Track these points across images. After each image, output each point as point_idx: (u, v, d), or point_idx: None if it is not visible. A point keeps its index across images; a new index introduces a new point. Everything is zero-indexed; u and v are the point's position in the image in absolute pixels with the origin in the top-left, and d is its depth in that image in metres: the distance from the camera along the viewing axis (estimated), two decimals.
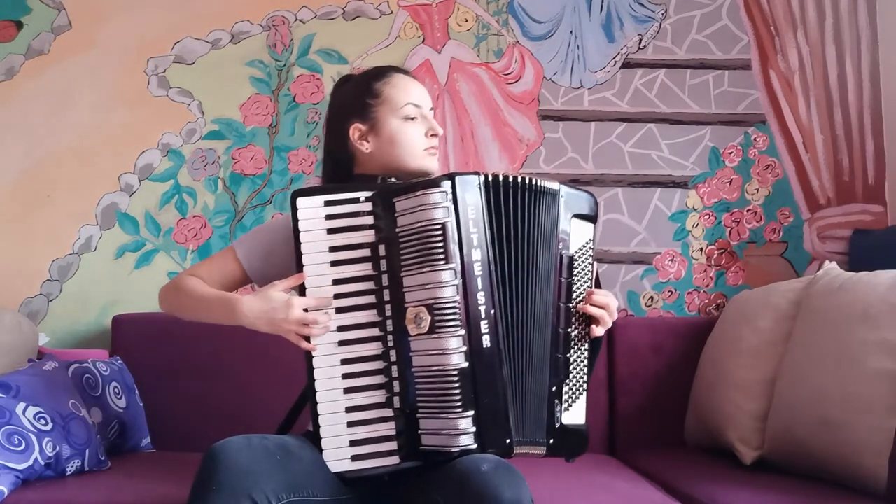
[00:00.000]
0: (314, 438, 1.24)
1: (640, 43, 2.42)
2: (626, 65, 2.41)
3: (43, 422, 1.62)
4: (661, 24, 2.42)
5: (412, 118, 1.42)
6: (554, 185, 1.31)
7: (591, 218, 1.37)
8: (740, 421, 1.78)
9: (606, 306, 1.33)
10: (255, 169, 2.38)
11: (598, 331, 1.33)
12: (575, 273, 1.32)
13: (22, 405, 1.62)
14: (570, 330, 1.31)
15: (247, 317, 1.29)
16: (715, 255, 2.37)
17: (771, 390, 1.74)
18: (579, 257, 1.34)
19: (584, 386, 1.34)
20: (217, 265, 1.47)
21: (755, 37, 2.41)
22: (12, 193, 2.35)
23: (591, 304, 1.32)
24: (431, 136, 1.43)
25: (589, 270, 1.36)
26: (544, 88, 2.41)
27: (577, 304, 1.32)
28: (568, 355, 1.30)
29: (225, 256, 1.48)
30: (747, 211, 2.38)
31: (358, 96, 1.44)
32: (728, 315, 2.04)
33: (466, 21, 2.42)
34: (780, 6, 2.41)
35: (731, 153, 2.39)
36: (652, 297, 2.36)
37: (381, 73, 1.46)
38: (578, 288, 1.33)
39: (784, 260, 2.37)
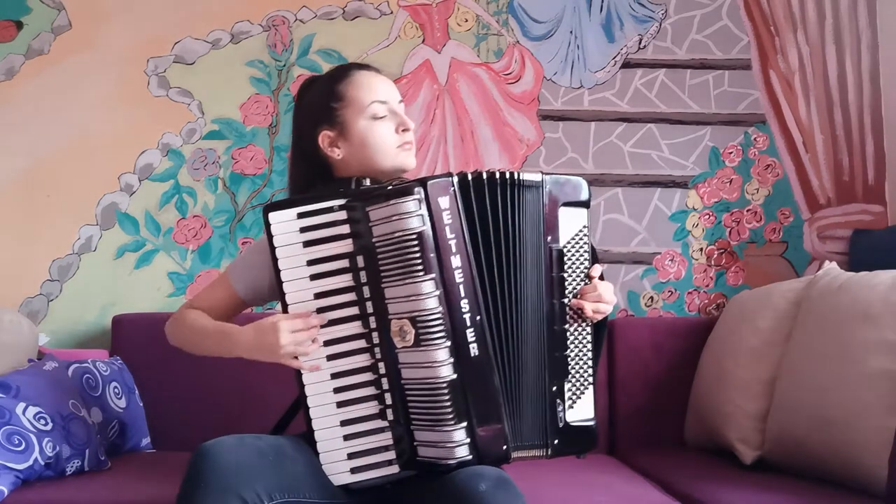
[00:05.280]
0: (311, 440, 1.23)
1: (640, 43, 2.42)
2: (626, 65, 2.41)
3: (43, 422, 1.62)
4: (661, 24, 2.42)
5: (380, 117, 1.36)
6: (536, 177, 1.24)
7: (584, 203, 1.29)
8: (740, 421, 1.78)
9: (601, 299, 1.27)
10: (255, 169, 2.38)
11: (597, 315, 1.28)
12: (568, 265, 1.27)
13: (22, 405, 1.61)
14: (566, 326, 1.26)
15: (245, 350, 1.28)
16: (715, 255, 2.37)
17: (771, 390, 1.74)
18: (572, 247, 1.28)
19: (590, 380, 1.28)
20: (214, 295, 1.45)
21: (755, 37, 2.41)
22: (12, 193, 2.35)
23: (585, 301, 1.26)
24: (403, 131, 1.37)
25: (585, 259, 1.30)
26: (544, 88, 2.41)
27: (572, 297, 1.26)
28: (566, 353, 1.26)
29: (220, 284, 1.46)
30: (747, 211, 2.38)
31: (322, 101, 1.40)
32: (728, 315, 2.04)
33: (466, 21, 2.42)
34: (780, 6, 2.41)
35: (731, 153, 2.39)
36: (652, 297, 2.36)
37: (343, 73, 1.41)
38: (573, 280, 1.27)
39: (784, 260, 2.37)
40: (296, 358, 1.23)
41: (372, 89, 1.38)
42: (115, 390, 1.94)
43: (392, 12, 2.41)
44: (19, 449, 1.56)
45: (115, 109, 2.37)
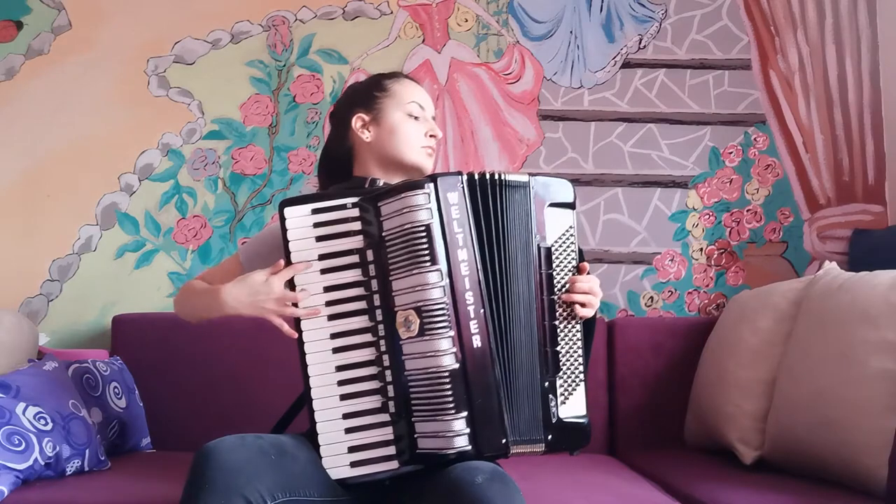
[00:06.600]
0: (312, 438, 1.24)
1: (640, 43, 2.42)
2: (626, 65, 2.41)
3: (43, 422, 1.62)
4: (661, 24, 2.42)
5: (415, 117, 1.46)
6: (523, 178, 1.29)
7: (570, 205, 1.34)
8: (740, 421, 1.78)
9: (591, 291, 1.31)
10: (255, 169, 2.38)
11: (586, 311, 1.31)
12: (556, 264, 1.30)
13: (22, 405, 1.61)
14: (555, 322, 1.29)
15: (228, 303, 1.32)
16: (715, 255, 2.37)
17: (771, 390, 1.74)
18: (559, 246, 1.31)
19: (581, 376, 1.31)
20: (222, 269, 1.52)
21: (755, 37, 2.41)
22: (12, 193, 2.35)
23: (575, 293, 1.30)
24: (430, 136, 1.47)
25: (572, 258, 1.33)
26: (544, 88, 2.41)
27: (561, 294, 1.30)
28: (557, 348, 1.29)
29: (230, 260, 1.53)
30: (747, 211, 2.38)
31: (366, 89, 1.50)
32: (728, 315, 2.04)
33: (466, 21, 2.42)
34: (780, 6, 2.41)
35: (731, 153, 2.39)
36: (652, 297, 2.36)
37: (393, 74, 1.53)
38: (562, 279, 1.31)
39: (784, 260, 2.37)
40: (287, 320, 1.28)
41: (416, 93, 1.49)
42: (115, 390, 1.94)
43: (392, 12, 2.42)
44: (19, 449, 1.55)
45: (115, 109, 2.38)
